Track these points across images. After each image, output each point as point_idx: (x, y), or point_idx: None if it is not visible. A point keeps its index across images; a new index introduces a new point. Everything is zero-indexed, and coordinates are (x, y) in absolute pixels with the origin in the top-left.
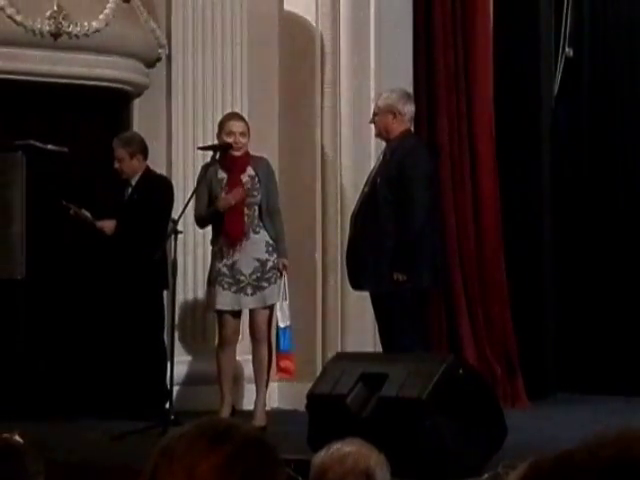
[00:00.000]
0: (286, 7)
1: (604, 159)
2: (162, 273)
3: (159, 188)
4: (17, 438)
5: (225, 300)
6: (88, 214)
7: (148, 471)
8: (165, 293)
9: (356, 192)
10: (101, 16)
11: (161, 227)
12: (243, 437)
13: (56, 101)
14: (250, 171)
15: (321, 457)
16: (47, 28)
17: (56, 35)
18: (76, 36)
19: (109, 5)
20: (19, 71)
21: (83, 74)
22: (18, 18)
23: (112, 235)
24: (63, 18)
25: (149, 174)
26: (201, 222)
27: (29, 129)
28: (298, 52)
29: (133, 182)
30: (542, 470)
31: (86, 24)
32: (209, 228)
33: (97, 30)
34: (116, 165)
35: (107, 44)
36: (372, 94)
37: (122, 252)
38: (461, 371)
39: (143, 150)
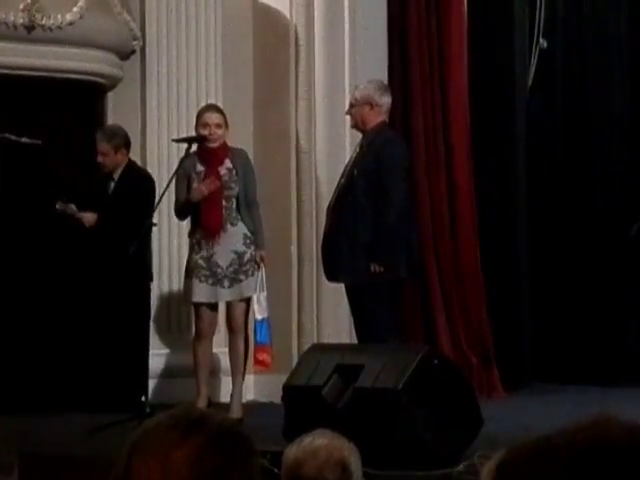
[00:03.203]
0: None
1: (578, 149)
2: (145, 266)
3: (142, 182)
4: None
5: (202, 292)
6: (74, 207)
7: (122, 461)
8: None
9: (331, 183)
10: (75, 8)
11: (143, 221)
12: (217, 426)
13: (30, 94)
14: (228, 163)
15: (293, 452)
16: (20, 21)
17: (29, 28)
18: (49, 29)
19: None
20: None
21: (57, 67)
22: None
23: (94, 228)
24: (36, 11)
25: (132, 167)
26: (180, 215)
27: (3, 122)
28: (272, 44)
29: (116, 176)
30: (520, 455)
31: (59, 17)
32: (186, 220)
33: (71, 23)
34: (99, 159)
35: (81, 37)
36: (347, 85)
37: (104, 246)
38: (436, 362)
39: (127, 143)
